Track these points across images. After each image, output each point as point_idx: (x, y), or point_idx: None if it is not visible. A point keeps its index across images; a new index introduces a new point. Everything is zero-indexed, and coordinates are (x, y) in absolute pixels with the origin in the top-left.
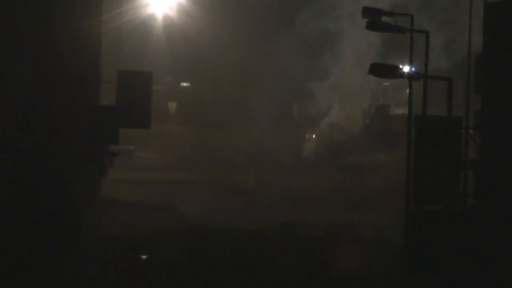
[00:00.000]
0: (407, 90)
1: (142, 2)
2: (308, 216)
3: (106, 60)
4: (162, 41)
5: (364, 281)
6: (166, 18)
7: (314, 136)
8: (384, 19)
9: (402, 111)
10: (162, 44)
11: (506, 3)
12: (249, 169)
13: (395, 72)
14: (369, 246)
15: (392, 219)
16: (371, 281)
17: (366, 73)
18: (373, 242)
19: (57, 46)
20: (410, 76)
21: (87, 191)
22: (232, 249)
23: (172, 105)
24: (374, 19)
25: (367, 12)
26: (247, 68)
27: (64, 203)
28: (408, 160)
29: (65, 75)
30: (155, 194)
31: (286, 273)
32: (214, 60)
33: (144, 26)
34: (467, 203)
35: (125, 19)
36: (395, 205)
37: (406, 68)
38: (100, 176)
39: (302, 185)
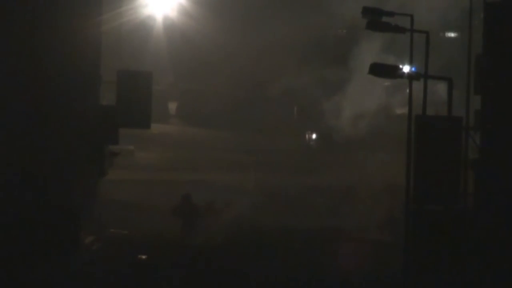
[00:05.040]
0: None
1: (142, 2)
2: (303, 218)
3: (106, 60)
4: (162, 41)
5: (364, 281)
6: (166, 18)
7: (314, 136)
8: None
9: (402, 111)
10: (162, 45)
11: (506, 3)
12: (249, 169)
13: (395, 72)
14: (368, 246)
15: (389, 219)
16: (371, 281)
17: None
18: (372, 243)
19: (57, 46)
20: (410, 76)
21: (87, 191)
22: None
23: (172, 105)
24: (374, 19)
25: (367, 12)
26: (248, 68)
27: (64, 203)
28: (408, 160)
29: (65, 75)
30: (155, 194)
31: (284, 274)
32: (214, 60)
33: (144, 26)
34: (467, 203)
35: (125, 19)
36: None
37: (406, 68)
38: (100, 176)
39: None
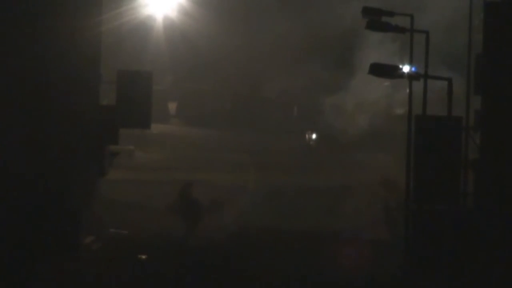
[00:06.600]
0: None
1: (142, 2)
2: (297, 217)
3: (106, 60)
4: (162, 41)
5: (365, 281)
6: (166, 18)
7: (314, 136)
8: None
9: (402, 111)
10: (162, 45)
11: (506, 3)
12: (249, 169)
13: (395, 72)
14: (367, 246)
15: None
16: (372, 281)
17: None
18: (371, 243)
19: (57, 46)
20: (410, 76)
21: (87, 191)
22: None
23: (172, 105)
24: (374, 19)
25: (367, 12)
26: (248, 67)
27: (64, 203)
28: (408, 160)
29: (65, 75)
30: (155, 194)
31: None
32: (214, 60)
33: (144, 26)
34: (467, 203)
35: (125, 19)
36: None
37: (406, 68)
38: (100, 176)
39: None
